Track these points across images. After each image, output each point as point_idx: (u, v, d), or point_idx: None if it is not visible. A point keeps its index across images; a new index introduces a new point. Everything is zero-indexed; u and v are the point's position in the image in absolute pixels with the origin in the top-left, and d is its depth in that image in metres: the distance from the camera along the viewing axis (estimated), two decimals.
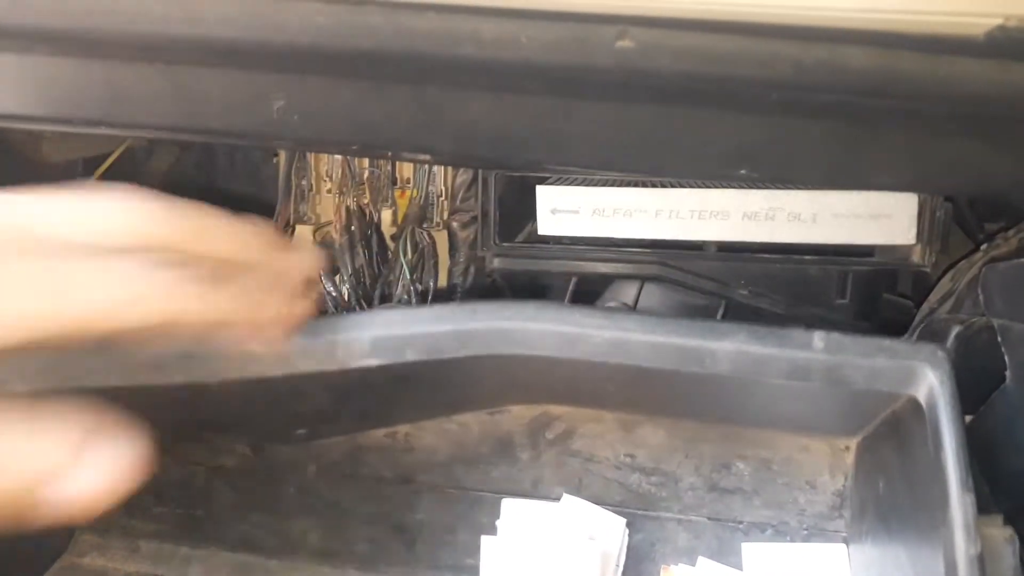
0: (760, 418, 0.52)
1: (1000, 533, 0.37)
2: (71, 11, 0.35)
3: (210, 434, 0.61)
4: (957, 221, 0.61)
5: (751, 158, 0.38)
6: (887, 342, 0.40)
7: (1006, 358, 0.46)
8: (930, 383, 0.39)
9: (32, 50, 0.39)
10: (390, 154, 0.41)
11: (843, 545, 0.51)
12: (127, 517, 0.63)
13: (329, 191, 0.68)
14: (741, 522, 0.54)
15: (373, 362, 0.43)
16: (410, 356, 0.43)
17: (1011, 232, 0.54)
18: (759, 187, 0.56)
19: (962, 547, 0.35)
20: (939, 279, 0.58)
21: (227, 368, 0.44)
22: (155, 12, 0.34)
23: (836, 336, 0.40)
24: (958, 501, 0.35)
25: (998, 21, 0.28)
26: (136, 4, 0.34)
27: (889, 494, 0.45)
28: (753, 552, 0.52)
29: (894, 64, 0.31)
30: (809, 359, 0.40)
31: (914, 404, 0.39)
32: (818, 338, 0.40)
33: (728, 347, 0.41)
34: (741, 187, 0.56)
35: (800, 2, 0.30)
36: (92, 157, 0.68)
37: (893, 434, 0.45)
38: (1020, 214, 0.54)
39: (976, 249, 0.57)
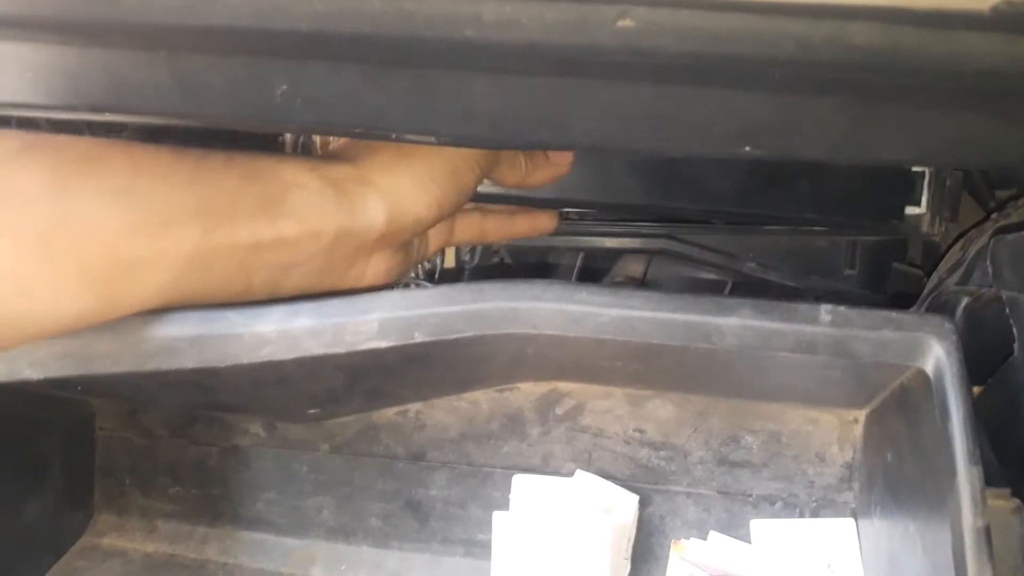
0: (769, 391, 0.52)
1: (1008, 505, 0.37)
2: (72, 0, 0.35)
3: (223, 415, 0.62)
4: (968, 188, 0.61)
5: (755, 136, 0.38)
6: (894, 314, 0.40)
7: (1015, 330, 0.46)
8: (937, 355, 0.39)
9: (33, 38, 0.39)
10: (393, 136, 0.40)
11: (851, 519, 0.52)
12: (144, 498, 0.64)
13: None
14: (750, 495, 0.54)
15: (381, 344, 0.44)
16: (418, 337, 0.43)
17: (1021, 201, 0.54)
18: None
19: (969, 519, 0.35)
20: (949, 248, 0.58)
21: (237, 352, 0.44)
22: (155, 1, 0.34)
23: (842, 309, 0.40)
24: (965, 473, 0.35)
25: None
26: None
27: (898, 466, 0.45)
28: (762, 528, 0.53)
29: (900, 40, 0.30)
30: (815, 333, 0.40)
31: (922, 376, 0.39)
32: (824, 311, 0.40)
33: (734, 322, 0.41)
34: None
35: None
36: None
37: (901, 406, 0.45)
38: None
39: (987, 218, 0.56)
